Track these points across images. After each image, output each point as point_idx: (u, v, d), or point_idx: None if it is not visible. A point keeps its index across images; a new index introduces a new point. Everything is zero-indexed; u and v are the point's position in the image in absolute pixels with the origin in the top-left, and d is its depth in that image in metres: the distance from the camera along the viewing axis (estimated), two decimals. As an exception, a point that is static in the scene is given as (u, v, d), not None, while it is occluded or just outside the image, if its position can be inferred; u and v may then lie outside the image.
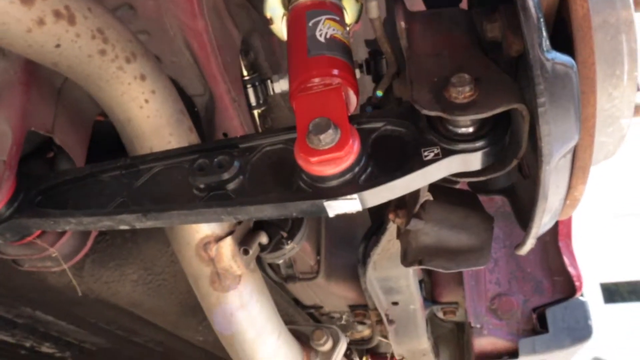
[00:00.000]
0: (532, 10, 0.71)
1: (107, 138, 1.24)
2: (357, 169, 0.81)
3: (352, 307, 2.02)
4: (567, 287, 1.80)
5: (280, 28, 1.21)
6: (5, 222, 0.99)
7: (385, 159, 0.84)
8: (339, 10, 1.11)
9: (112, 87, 1.03)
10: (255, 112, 1.54)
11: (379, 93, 1.12)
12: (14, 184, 1.00)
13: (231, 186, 0.88)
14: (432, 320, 2.24)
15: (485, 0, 0.94)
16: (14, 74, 1.08)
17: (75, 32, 0.91)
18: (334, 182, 0.81)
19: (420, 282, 1.91)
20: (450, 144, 0.81)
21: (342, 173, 0.80)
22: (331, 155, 0.78)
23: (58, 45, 0.90)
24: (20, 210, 1.00)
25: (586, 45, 0.75)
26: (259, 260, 1.48)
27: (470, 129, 0.82)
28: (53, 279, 1.43)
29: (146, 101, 1.06)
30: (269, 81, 1.50)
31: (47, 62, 0.93)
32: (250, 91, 1.50)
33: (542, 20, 0.72)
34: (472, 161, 0.82)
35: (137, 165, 0.98)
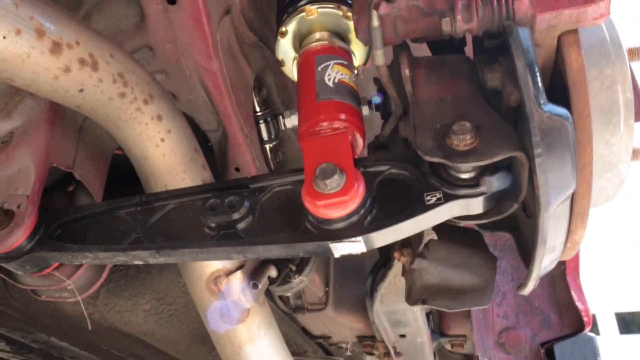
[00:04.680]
0: (529, 65, 0.75)
1: (125, 170, 1.28)
2: (362, 212, 0.84)
3: (360, 338, 2.03)
4: (576, 322, 1.79)
5: (291, 70, 1.27)
6: (26, 255, 1.03)
7: (389, 201, 0.87)
8: (347, 55, 1.16)
9: (130, 127, 1.08)
10: (267, 147, 1.59)
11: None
12: (35, 219, 1.05)
13: (241, 226, 0.92)
14: (440, 352, 2.24)
15: (487, 50, 0.98)
16: (40, 112, 1.14)
17: (98, 77, 0.97)
18: (340, 225, 0.84)
19: (428, 314, 1.91)
20: (452, 189, 0.84)
21: (348, 216, 0.83)
22: (337, 200, 0.81)
23: (82, 90, 0.95)
24: (40, 244, 1.04)
25: (581, 97, 0.79)
26: (268, 292, 1.51)
27: (472, 175, 0.85)
28: (69, 308, 1.47)
29: (162, 140, 1.11)
30: (280, 116, 1.54)
31: (71, 105, 0.99)
32: (263, 126, 1.55)
33: (538, 74, 0.76)
34: (473, 205, 0.85)
35: (151, 203, 1.03)
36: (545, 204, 0.75)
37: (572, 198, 0.83)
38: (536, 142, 0.73)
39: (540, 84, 0.75)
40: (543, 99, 0.75)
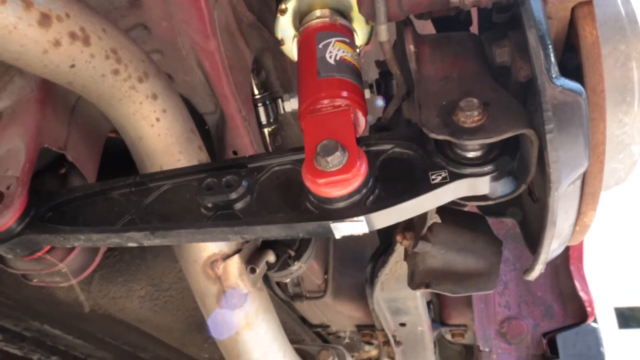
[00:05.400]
0: (541, 37, 0.72)
1: (118, 154, 1.25)
2: (364, 191, 0.81)
3: (360, 327, 2.01)
4: (579, 313, 1.77)
5: (291, 49, 1.23)
6: (16, 237, 1.00)
7: (392, 181, 0.84)
8: (349, 33, 1.13)
9: (124, 105, 1.05)
10: (266, 131, 1.55)
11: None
12: (25, 200, 1.01)
13: (239, 206, 0.88)
14: (440, 342, 2.22)
15: (494, 25, 0.94)
16: (31, 91, 1.11)
17: (89, 52, 0.93)
18: (341, 204, 0.81)
19: (429, 303, 1.89)
20: (458, 167, 0.81)
21: (350, 195, 0.80)
22: (338, 178, 0.78)
23: (73, 66, 0.92)
24: (30, 226, 1.01)
25: (595, 72, 0.75)
26: (266, 279, 1.48)
27: (479, 153, 0.82)
28: (62, 294, 1.44)
29: (157, 120, 1.08)
30: (279, 100, 1.51)
31: (62, 82, 0.95)
32: (261, 110, 1.51)
33: (550, 47, 0.72)
34: (480, 185, 0.82)
35: (146, 183, 0.99)
36: (556, 182, 0.72)
37: (584, 178, 0.80)
38: (548, 117, 0.70)
39: (552, 57, 0.72)
40: (555, 72, 0.72)
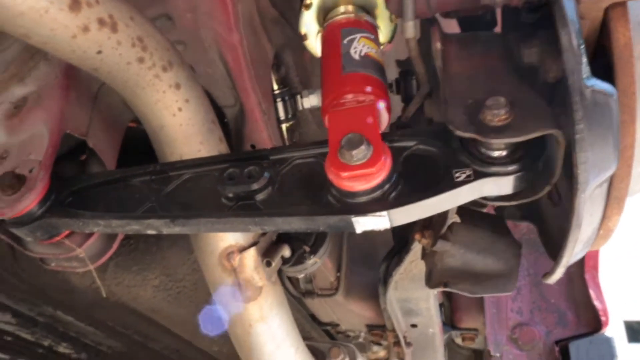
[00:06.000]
0: (573, 36, 0.71)
1: (138, 145, 1.26)
2: (387, 187, 0.81)
3: (370, 327, 1.99)
4: (593, 322, 1.74)
5: (314, 44, 1.23)
6: (37, 220, 1.01)
7: (416, 178, 0.83)
8: (373, 29, 1.12)
9: (148, 94, 1.05)
10: (284, 126, 1.55)
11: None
12: (47, 184, 1.02)
13: (260, 197, 0.88)
14: (449, 345, 2.20)
15: (521, 25, 0.93)
16: (55, 78, 1.12)
17: (116, 39, 0.93)
18: (364, 198, 0.81)
19: (440, 305, 1.87)
20: (482, 166, 0.80)
21: (372, 190, 0.80)
22: (363, 172, 0.78)
23: (100, 52, 0.92)
24: (51, 210, 1.02)
25: (627, 73, 0.74)
26: (279, 273, 1.48)
27: (504, 153, 0.81)
28: (76, 280, 1.45)
29: (179, 109, 1.08)
30: (298, 96, 1.51)
31: (88, 68, 0.96)
32: (280, 105, 1.51)
33: (582, 47, 0.71)
34: (504, 185, 0.81)
35: (167, 172, 1.00)
36: (583, 184, 0.71)
37: (610, 181, 0.79)
38: (578, 117, 0.69)
39: (584, 57, 0.71)
40: (587, 72, 0.71)
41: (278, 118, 1.52)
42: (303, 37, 1.24)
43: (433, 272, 0.97)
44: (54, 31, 0.84)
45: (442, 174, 0.81)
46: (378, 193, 0.80)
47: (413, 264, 1.39)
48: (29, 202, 1.00)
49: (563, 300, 1.81)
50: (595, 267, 1.72)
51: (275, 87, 1.53)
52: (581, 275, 1.74)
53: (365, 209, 0.79)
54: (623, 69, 0.74)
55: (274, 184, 0.89)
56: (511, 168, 0.80)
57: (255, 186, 0.87)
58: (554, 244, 0.93)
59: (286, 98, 1.53)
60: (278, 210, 0.86)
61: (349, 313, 1.93)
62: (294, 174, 0.90)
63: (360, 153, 0.77)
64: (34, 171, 1.02)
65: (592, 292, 1.71)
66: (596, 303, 1.71)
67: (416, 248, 1.19)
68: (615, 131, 0.73)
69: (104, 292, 1.26)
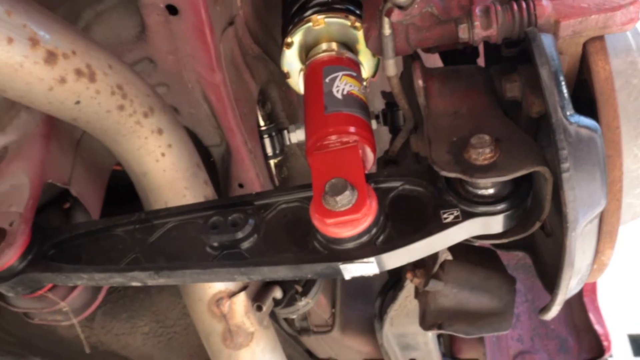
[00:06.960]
0: (554, 73, 0.70)
1: (123, 187, 1.24)
2: (374, 231, 0.79)
3: (368, 362, 1.95)
4: (595, 347, 1.71)
5: (297, 82, 1.22)
6: (18, 276, 0.98)
7: (403, 220, 0.82)
8: (355, 66, 1.12)
9: (129, 141, 1.04)
10: (272, 162, 1.54)
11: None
12: (28, 238, 1.00)
13: (245, 245, 0.86)
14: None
15: (503, 59, 0.93)
16: (36, 126, 1.10)
17: (95, 89, 0.92)
18: (351, 244, 0.79)
19: (439, 337, 1.84)
20: (470, 206, 0.79)
21: (359, 235, 0.78)
22: (348, 218, 0.76)
23: (78, 102, 0.91)
24: (32, 264, 0.99)
25: (610, 108, 0.74)
26: (272, 313, 1.45)
27: (491, 190, 0.79)
28: (64, 331, 1.41)
29: (162, 155, 1.06)
30: (285, 131, 1.50)
31: (66, 118, 0.94)
32: (267, 141, 1.51)
33: (563, 83, 0.71)
34: (493, 224, 0.80)
35: (151, 221, 0.97)
36: (573, 222, 0.70)
37: (601, 216, 0.77)
38: (563, 155, 0.67)
39: (566, 94, 0.70)
40: (570, 109, 0.70)
41: (266, 154, 1.51)
42: (286, 75, 1.24)
43: (427, 313, 0.94)
44: (29, 85, 0.83)
45: (430, 215, 0.80)
46: (365, 238, 0.78)
47: (408, 299, 1.37)
48: (9, 257, 0.97)
49: (563, 326, 1.77)
50: (593, 291, 1.70)
51: (262, 123, 1.52)
52: (580, 299, 1.71)
53: (352, 255, 0.77)
54: (605, 104, 0.74)
55: (259, 232, 0.87)
56: (499, 207, 0.78)
57: (240, 235, 0.85)
58: (549, 277, 0.91)
59: (273, 134, 1.52)
60: (264, 259, 0.83)
61: (345, 349, 1.89)
62: (279, 219, 0.88)
63: (345, 199, 0.76)
64: (15, 224, 1.00)
65: (592, 317, 1.68)
66: (597, 327, 1.69)
67: (410, 285, 1.17)
68: (602, 167, 0.71)
69: (87, 347, 1.22)
